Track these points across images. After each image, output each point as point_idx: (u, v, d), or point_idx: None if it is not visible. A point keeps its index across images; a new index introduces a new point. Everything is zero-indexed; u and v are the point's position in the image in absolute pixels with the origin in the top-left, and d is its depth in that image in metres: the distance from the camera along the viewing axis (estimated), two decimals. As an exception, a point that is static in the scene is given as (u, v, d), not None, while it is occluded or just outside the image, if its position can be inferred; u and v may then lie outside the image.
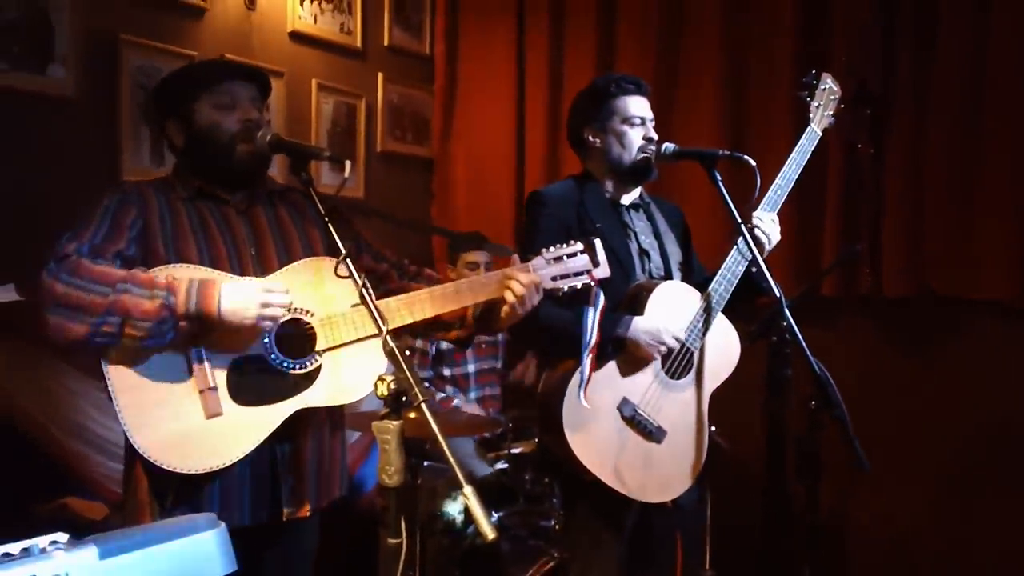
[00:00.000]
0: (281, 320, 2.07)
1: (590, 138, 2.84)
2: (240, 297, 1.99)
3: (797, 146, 2.79)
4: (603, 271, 2.27)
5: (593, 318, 2.32)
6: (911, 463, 3.76)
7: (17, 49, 3.10)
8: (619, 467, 2.59)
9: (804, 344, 2.37)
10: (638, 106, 2.82)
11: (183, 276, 2.02)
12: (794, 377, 2.44)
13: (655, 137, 2.82)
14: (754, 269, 2.68)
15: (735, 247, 2.71)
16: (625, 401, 2.62)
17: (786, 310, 2.42)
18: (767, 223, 2.72)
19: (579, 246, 2.26)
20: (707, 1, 4.15)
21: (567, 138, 2.98)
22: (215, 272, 2.09)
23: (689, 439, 2.72)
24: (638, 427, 2.63)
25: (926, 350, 3.81)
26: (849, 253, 3.74)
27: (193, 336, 2.02)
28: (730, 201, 2.59)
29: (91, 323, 1.93)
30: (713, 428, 3.39)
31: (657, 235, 2.88)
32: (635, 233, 2.82)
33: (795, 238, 3.90)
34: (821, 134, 2.82)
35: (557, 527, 3.06)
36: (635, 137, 2.79)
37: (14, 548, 1.19)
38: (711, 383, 2.76)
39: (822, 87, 2.85)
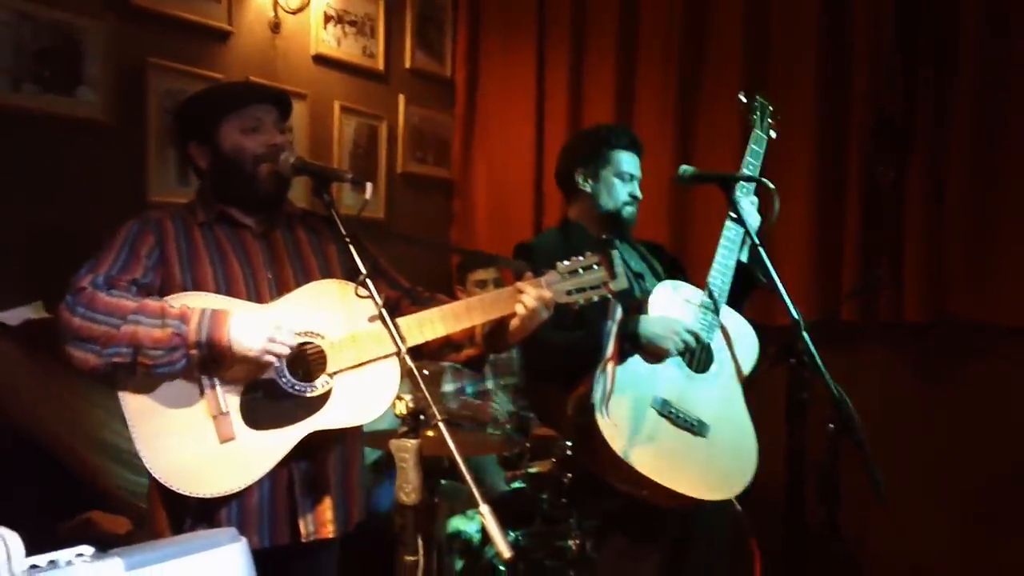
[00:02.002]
0: (286, 356, 2.07)
1: (580, 181, 2.96)
2: (248, 329, 2.01)
3: (748, 150, 2.91)
4: (620, 282, 2.21)
5: (611, 330, 2.32)
6: (932, 489, 3.73)
7: (47, 73, 3.17)
8: (673, 467, 2.56)
9: (823, 367, 2.38)
10: (631, 163, 2.97)
11: (196, 305, 2.04)
12: (813, 401, 2.45)
13: (640, 196, 2.97)
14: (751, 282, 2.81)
15: (723, 237, 2.76)
16: (655, 397, 2.62)
17: (804, 333, 2.43)
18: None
19: (595, 258, 2.20)
20: (728, 28, 4.17)
21: (555, 176, 3.09)
22: (230, 301, 2.11)
23: (736, 429, 2.70)
24: (678, 422, 2.62)
25: (947, 375, 3.79)
26: (870, 278, 3.74)
27: (204, 364, 2.04)
28: (748, 223, 2.63)
29: (104, 353, 1.98)
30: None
31: (644, 259, 2.99)
32: (623, 259, 2.86)
33: (815, 262, 3.91)
34: (767, 137, 2.95)
35: (575, 547, 3.06)
36: (622, 191, 2.94)
37: (41, 560, 1.21)
38: (739, 372, 2.77)
39: (754, 102, 3.00)
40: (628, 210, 2.94)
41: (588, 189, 2.95)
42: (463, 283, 4.07)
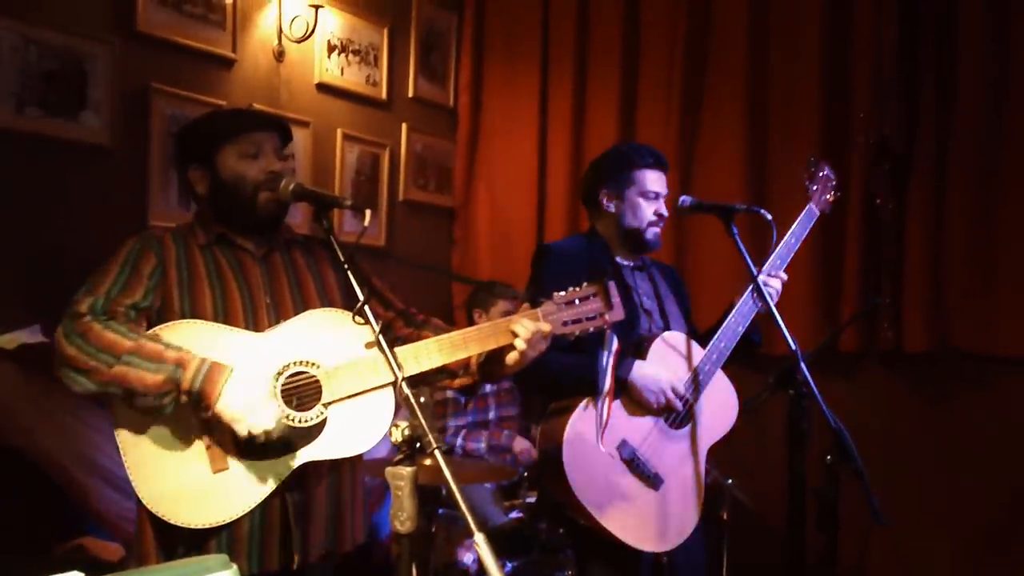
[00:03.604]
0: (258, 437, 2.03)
1: (604, 201, 2.92)
2: (238, 395, 1.98)
3: (797, 222, 2.89)
4: (617, 314, 2.21)
5: (607, 362, 2.31)
6: (930, 518, 3.71)
7: (52, 96, 3.18)
8: (616, 509, 2.60)
9: (820, 397, 2.38)
10: (656, 181, 2.91)
11: (196, 351, 2.01)
12: (813, 430, 2.44)
13: (666, 214, 2.92)
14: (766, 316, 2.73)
15: (739, 304, 2.77)
16: (624, 443, 2.65)
17: (802, 364, 2.43)
18: (776, 281, 2.81)
19: (591, 289, 2.20)
20: (730, 57, 4.20)
21: (581, 195, 3.06)
22: (227, 330, 2.10)
23: (686, 491, 2.74)
24: (636, 470, 2.65)
25: (946, 405, 3.78)
26: (869, 307, 3.74)
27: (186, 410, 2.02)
28: (747, 254, 2.63)
29: (95, 391, 1.98)
30: (730, 480, 3.39)
31: (658, 296, 2.95)
32: (637, 293, 2.88)
33: (815, 291, 3.90)
34: (819, 213, 2.92)
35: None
36: (647, 210, 2.88)
37: (29, 585, 1.20)
38: (710, 437, 2.80)
39: (820, 173, 2.96)
40: (652, 231, 2.89)
41: (613, 209, 2.91)
42: (486, 309, 4.04)
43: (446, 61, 4.95)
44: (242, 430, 1.99)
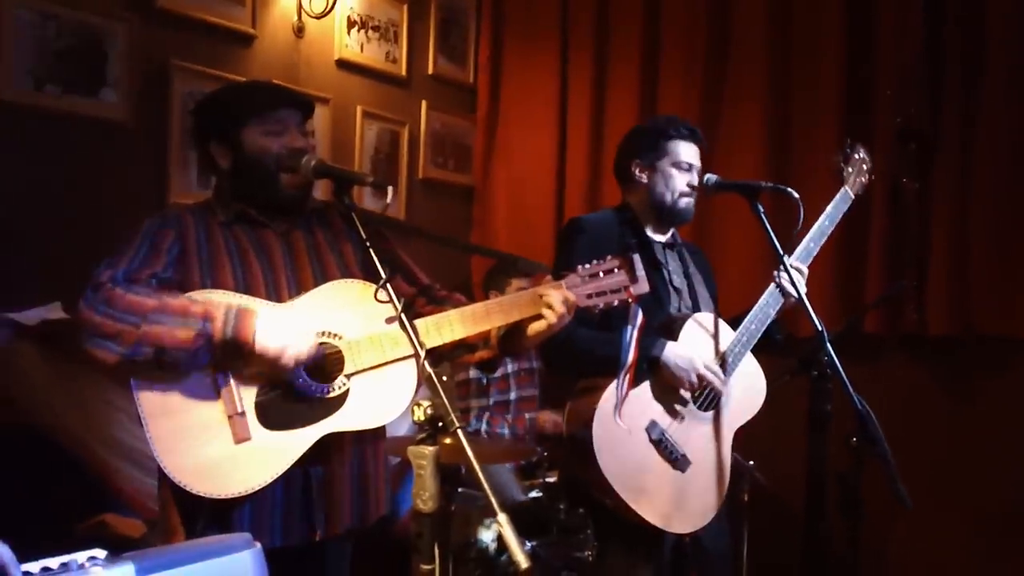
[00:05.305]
0: (305, 360, 2.06)
1: (637, 172, 2.90)
2: (272, 329, 2.00)
3: (831, 204, 2.86)
4: (642, 287, 2.19)
5: (631, 336, 2.29)
6: (954, 503, 3.68)
7: (70, 73, 3.18)
8: (643, 490, 2.59)
9: (845, 378, 2.35)
10: (689, 152, 2.89)
11: (220, 301, 2.04)
12: (835, 412, 2.41)
13: (698, 186, 2.87)
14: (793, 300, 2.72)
15: (772, 286, 2.75)
16: (653, 424, 2.63)
17: (828, 344, 2.40)
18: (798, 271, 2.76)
19: (616, 262, 2.18)
20: (752, 36, 4.15)
21: (613, 168, 3.03)
22: (250, 300, 2.10)
23: (712, 473, 2.73)
24: (664, 451, 2.64)
25: (971, 389, 3.74)
26: (894, 290, 3.70)
27: (223, 361, 2.03)
28: (772, 234, 2.60)
29: (124, 353, 1.97)
30: (752, 463, 3.38)
31: (687, 275, 2.92)
32: (668, 271, 2.85)
33: (839, 273, 3.87)
34: (853, 197, 2.90)
35: (591, 558, 3.04)
36: (680, 181, 2.85)
37: (53, 563, 1.20)
38: (736, 420, 2.78)
39: (856, 155, 2.93)
40: (685, 201, 2.86)
41: (644, 180, 2.88)
42: (501, 289, 4.02)
43: (465, 39, 4.91)
44: (288, 362, 2.01)
